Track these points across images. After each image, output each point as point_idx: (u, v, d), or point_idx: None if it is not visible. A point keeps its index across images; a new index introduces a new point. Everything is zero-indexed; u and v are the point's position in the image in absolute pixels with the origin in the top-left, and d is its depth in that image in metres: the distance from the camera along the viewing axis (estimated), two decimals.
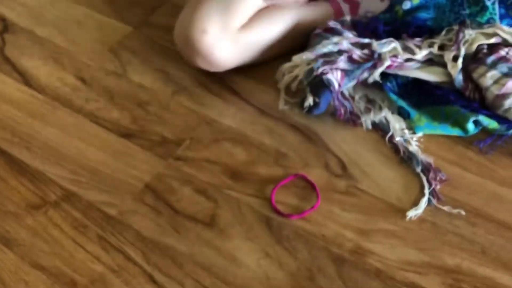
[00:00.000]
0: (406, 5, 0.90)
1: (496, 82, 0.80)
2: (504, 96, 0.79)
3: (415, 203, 0.75)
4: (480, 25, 0.86)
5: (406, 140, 0.82)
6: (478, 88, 0.83)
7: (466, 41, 0.84)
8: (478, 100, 0.83)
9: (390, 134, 0.83)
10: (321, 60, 0.85)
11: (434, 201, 0.75)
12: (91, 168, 0.81)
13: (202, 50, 0.85)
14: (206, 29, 0.85)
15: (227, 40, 0.86)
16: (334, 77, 0.84)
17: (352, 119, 0.85)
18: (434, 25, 0.89)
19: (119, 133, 0.86)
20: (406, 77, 0.87)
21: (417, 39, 0.86)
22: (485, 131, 0.83)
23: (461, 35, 0.84)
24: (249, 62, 0.92)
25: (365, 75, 0.86)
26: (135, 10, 1.11)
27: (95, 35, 1.05)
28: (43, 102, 0.91)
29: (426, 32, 0.89)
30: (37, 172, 0.81)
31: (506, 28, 0.84)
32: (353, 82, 0.87)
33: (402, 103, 0.85)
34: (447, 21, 0.89)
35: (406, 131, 0.83)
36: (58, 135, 0.86)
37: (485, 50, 0.83)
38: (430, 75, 0.85)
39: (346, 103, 0.85)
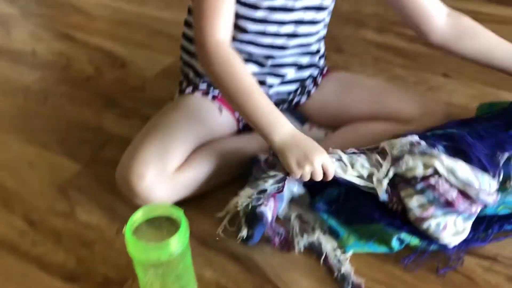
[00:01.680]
0: None
1: (420, 206, 0.85)
2: (424, 219, 0.84)
3: None
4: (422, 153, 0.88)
5: (339, 261, 0.86)
6: (402, 202, 0.88)
7: (407, 169, 0.87)
8: (400, 212, 0.88)
9: (323, 256, 0.87)
10: (260, 195, 0.89)
11: None
12: None
13: (139, 193, 0.90)
14: (144, 174, 0.89)
15: (164, 182, 0.90)
16: (268, 207, 0.89)
17: (287, 246, 0.90)
18: None
19: (64, 278, 0.88)
20: (333, 194, 0.93)
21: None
22: (410, 247, 0.88)
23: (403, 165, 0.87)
24: (187, 197, 0.95)
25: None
26: (84, 147, 1.17)
27: (45, 175, 1.10)
28: None
29: None
30: None
31: (445, 159, 0.86)
32: (285, 203, 0.92)
33: (331, 222, 0.90)
34: None
35: (338, 250, 0.88)
36: (2, 285, 0.88)
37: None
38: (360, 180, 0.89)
39: (280, 230, 0.90)
